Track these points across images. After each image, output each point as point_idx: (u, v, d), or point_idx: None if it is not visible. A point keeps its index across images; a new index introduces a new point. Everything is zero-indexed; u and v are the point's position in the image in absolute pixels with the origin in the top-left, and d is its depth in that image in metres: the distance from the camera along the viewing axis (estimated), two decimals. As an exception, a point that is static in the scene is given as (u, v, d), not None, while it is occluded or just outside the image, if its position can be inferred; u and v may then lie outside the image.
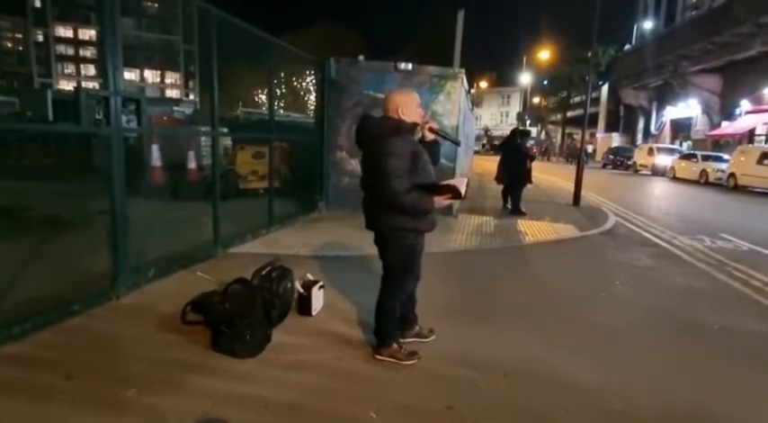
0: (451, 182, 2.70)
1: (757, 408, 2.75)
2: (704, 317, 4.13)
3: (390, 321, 3.01)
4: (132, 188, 4.04)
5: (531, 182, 9.39)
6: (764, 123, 23.82)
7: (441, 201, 2.67)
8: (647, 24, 35.62)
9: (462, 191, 2.64)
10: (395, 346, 3.01)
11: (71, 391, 2.51)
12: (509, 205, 9.27)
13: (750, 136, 24.29)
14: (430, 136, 2.91)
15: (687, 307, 4.39)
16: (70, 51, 63.97)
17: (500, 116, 61.74)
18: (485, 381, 2.83)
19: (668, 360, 3.29)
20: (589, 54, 13.58)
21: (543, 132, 49.95)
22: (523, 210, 9.03)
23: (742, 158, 17.44)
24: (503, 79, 59.95)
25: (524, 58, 43.03)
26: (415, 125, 2.80)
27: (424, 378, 2.84)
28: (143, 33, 62.21)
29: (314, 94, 8.39)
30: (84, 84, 55.85)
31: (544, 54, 37.36)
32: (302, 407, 2.48)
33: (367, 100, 7.87)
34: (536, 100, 49.46)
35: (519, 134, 9.64)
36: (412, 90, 2.92)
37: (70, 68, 64.72)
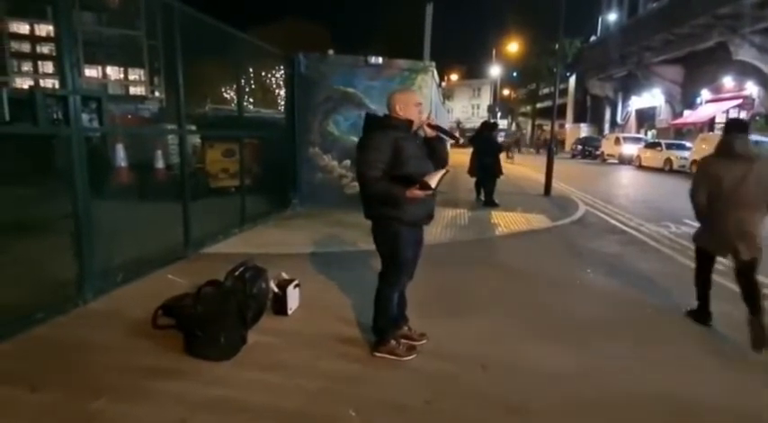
0: (429, 175, 2.69)
1: (727, 390, 2.84)
2: (672, 301, 4.26)
3: (387, 317, 3.02)
4: (97, 190, 3.90)
5: (501, 173, 9.48)
6: (723, 112, 24.72)
7: (414, 192, 2.66)
8: (612, 16, 36.40)
9: (433, 184, 2.64)
10: (393, 342, 3.01)
11: (36, 404, 2.42)
12: (482, 197, 9.35)
13: (711, 124, 25.17)
14: (430, 132, 2.94)
15: (655, 292, 4.52)
16: (26, 48, 61.34)
17: (471, 109, 62.08)
18: (463, 373, 2.85)
19: (640, 346, 3.37)
20: (556, 46, 13.76)
21: (514, 124, 50.60)
22: (496, 201, 9.13)
23: (704, 146, 18.00)
24: (473, 72, 60.24)
25: (493, 51, 43.43)
26: (410, 122, 2.84)
27: (403, 373, 2.84)
28: (104, 29, 60.08)
29: (284, 90, 8.26)
30: (42, 82, 53.70)
31: (513, 47, 37.75)
32: (280, 408, 2.45)
33: (337, 95, 7.81)
34: (506, 92, 49.98)
35: (490, 127, 9.75)
36: (411, 89, 2.94)
37: (27, 66, 62.09)
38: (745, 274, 3.39)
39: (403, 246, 2.89)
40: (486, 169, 9.19)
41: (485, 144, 9.28)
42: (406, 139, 2.79)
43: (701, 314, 3.75)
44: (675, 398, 2.70)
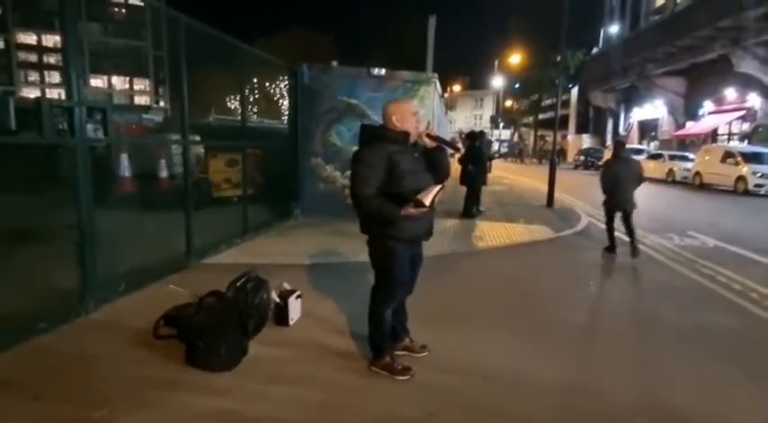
0: (423, 192, 2.59)
1: (728, 403, 2.82)
2: (676, 314, 4.24)
3: (380, 332, 2.94)
4: (101, 199, 3.92)
5: (480, 186, 9.28)
6: (726, 123, 24.73)
7: (408, 210, 2.57)
8: (614, 28, 36.59)
9: (427, 201, 2.55)
10: (387, 358, 2.94)
11: (39, 413, 2.42)
12: (482, 208, 9.30)
13: (713, 135, 25.18)
14: (430, 143, 2.83)
15: (659, 304, 4.50)
16: (33, 58, 62.01)
17: (474, 119, 62.35)
18: (464, 385, 2.84)
19: (642, 358, 3.36)
20: (558, 58, 13.84)
21: (516, 135, 50.74)
22: (474, 210, 9.01)
23: (706, 157, 18.03)
24: (475, 83, 60.82)
25: (496, 62, 43.78)
26: (406, 134, 2.74)
27: (405, 386, 2.83)
28: (110, 39, 60.79)
29: (287, 100, 8.32)
30: (49, 91, 54.19)
31: (515, 58, 38.05)
32: (281, 420, 2.44)
33: (340, 106, 7.86)
34: (508, 103, 50.23)
35: (473, 137, 9.54)
36: (407, 99, 2.85)
37: (34, 76, 62.71)
38: (627, 219, 6.15)
39: (398, 263, 2.80)
40: (470, 179, 9.07)
41: (471, 154, 9.17)
42: (402, 152, 2.69)
43: (610, 247, 6.35)
44: (677, 408, 2.68)
